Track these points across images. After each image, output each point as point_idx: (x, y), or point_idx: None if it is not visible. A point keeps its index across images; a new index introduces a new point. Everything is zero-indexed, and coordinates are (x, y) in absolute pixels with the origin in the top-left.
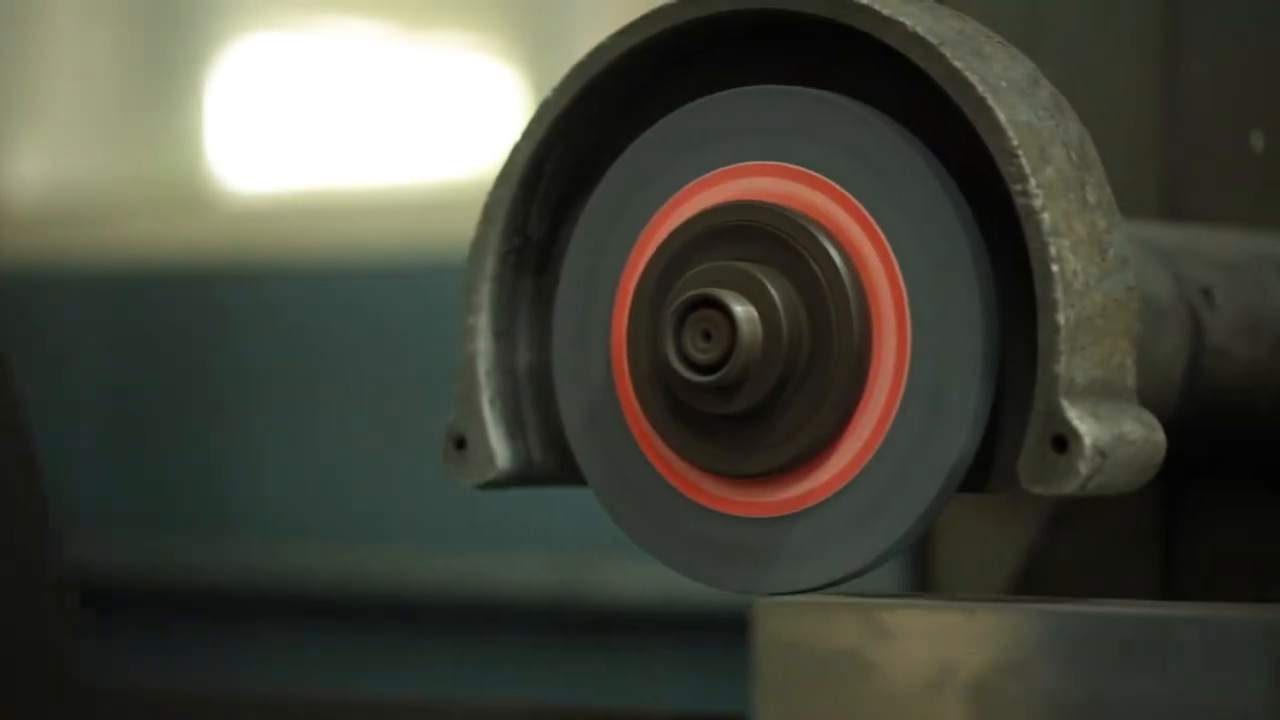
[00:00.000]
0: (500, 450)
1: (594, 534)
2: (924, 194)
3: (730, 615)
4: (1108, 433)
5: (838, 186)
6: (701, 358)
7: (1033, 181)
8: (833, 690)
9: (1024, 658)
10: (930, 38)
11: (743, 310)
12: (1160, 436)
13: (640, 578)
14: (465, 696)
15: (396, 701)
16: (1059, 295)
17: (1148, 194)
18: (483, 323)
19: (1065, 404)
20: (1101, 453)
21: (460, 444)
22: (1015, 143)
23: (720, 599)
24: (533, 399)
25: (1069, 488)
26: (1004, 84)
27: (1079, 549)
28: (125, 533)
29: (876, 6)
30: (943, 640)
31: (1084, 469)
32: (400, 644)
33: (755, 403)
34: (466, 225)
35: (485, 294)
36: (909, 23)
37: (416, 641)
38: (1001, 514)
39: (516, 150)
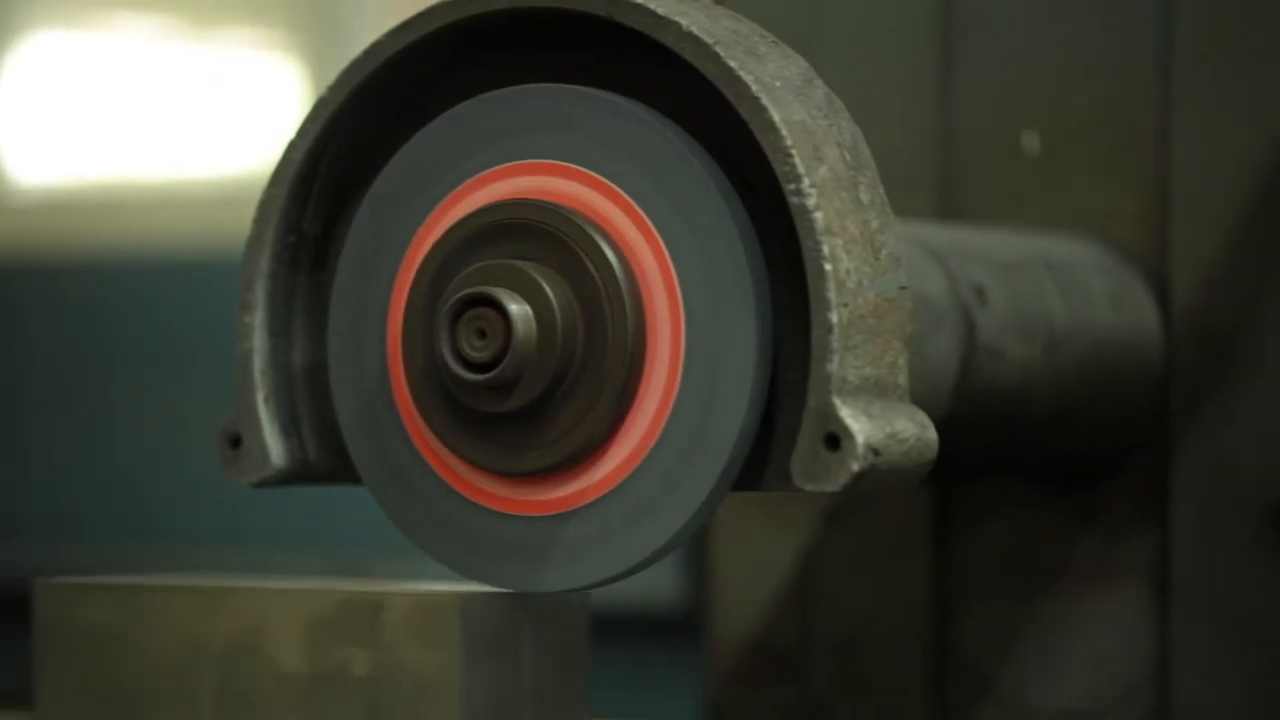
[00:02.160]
0: (275, 449)
1: (373, 533)
2: (698, 193)
3: None
4: (880, 431)
5: (613, 185)
6: (476, 356)
7: (806, 181)
8: (100, 663)
9: (260, 632)
10: (705, 37)
11: (517, 308)
12: (932, 435)
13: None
14: None
15: None
16: (832, 294)
17: (921, 194)
18: (258, 320)
19: (838, 402)
20: (874, 451)
21: (235, 442)
22: (789, 142)
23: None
24: (309, 397)
25: (841, 486)
26: (778, 84)
27: (854, 547)
28: None
29: (652, 6)
30: (193, 618)
31: (856, 467)
32: None
33: (530, 401)
34: (249, 221)
35: (260, 291)
36: (684, 22)
37: None
38: (777, 513)
39: (291, 148)
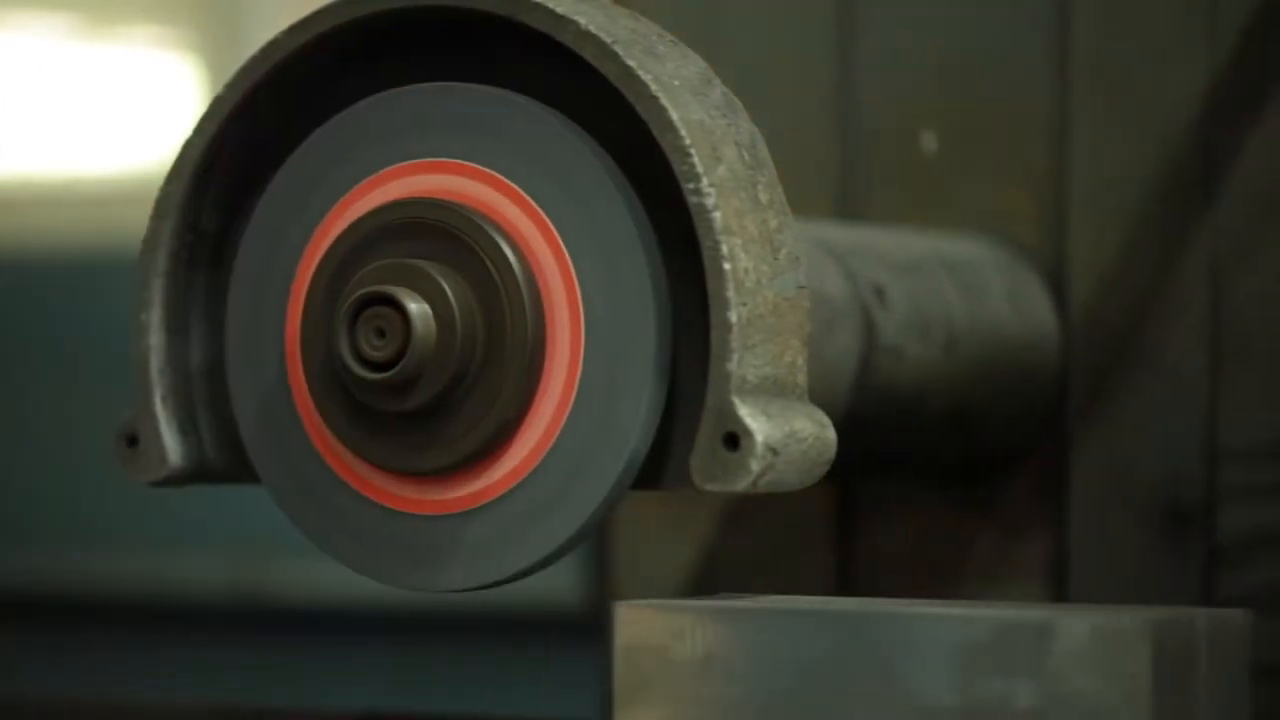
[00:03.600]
0: (173, 448)
1: (272, 533)
2: (598, 192)
3: (410, 614)
4: (779, 430)
5: (511, 183)
6: (375, 355)
7: (705, 180)
8: (698, 695)
9: (894, 661)
10: (603, 36)
11: (416, 307)
12: (831, 434)
13: (320, 576)
14: (142, 696)
15: (74, 701)
16: (730, 293)
17: (820, 193)
18: (155, 319)
19: (736, 402)
20: (773, 450)
21: (132, 441)
22: (687, 141)
23: (401, 597)
24: (207, 396)
25: (741, 485)
26: (676, 83)
27: (755, 547)
28: None
29: (551, 5)
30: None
31: (755, 466)
32: (79, 643)
33: (430, 400)
34: (145, 219)
35: (157, 290)
36: (582, 21)
37: (98, 639)
38: (679, 512)
39: (188, 145)
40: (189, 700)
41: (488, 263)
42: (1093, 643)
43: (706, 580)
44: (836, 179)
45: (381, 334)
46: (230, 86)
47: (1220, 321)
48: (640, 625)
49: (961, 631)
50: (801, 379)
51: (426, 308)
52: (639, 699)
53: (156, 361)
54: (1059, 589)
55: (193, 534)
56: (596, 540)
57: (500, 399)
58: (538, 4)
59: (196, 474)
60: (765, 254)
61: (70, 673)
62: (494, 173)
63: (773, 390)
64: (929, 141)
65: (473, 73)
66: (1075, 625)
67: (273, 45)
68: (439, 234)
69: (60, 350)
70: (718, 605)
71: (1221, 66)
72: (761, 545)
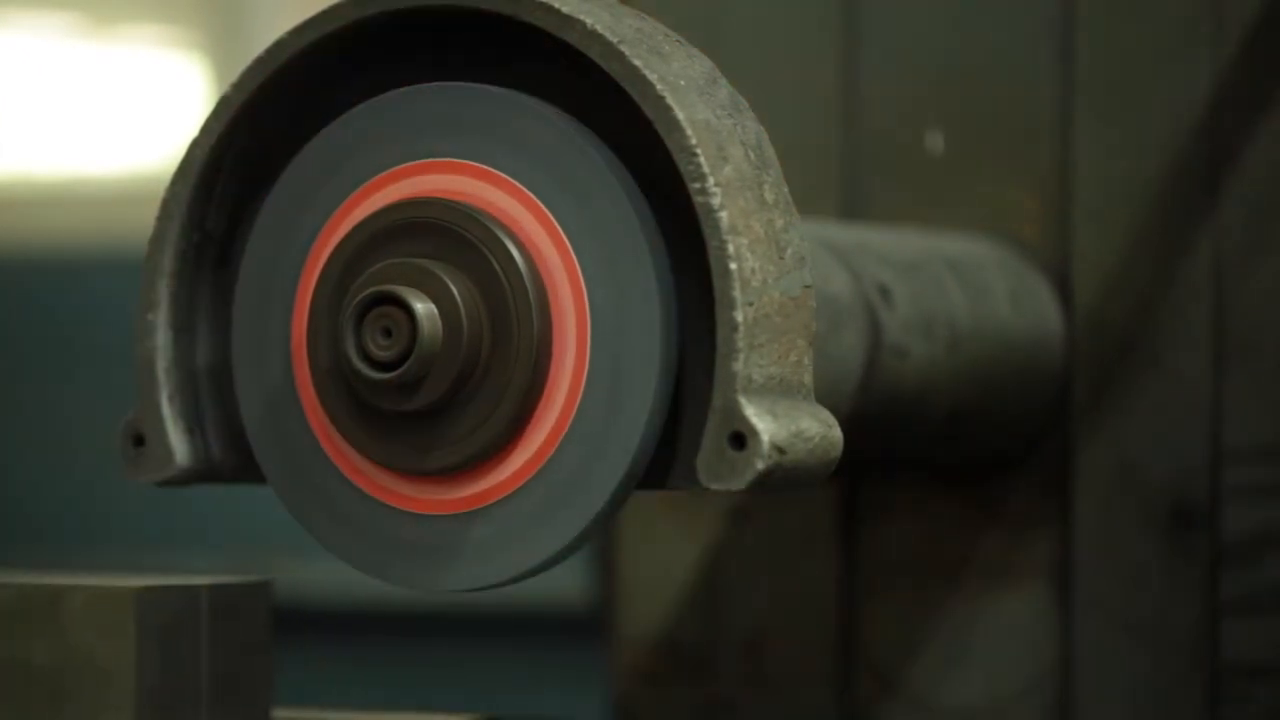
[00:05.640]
0: (179, 448)
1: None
2: (603, 191)
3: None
4: (785, 430)
5: (517, 183)
6: (382, 355)
7: (710, 180)
8: None
9: None
10: (609, 35)
11: (423, 307)
12: (837, 433)
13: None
14: None
15: None
16: (737, 293)
17: (826, 193)
18: (161, 319)
19: (743, 401)
20: (779, 449)
21: (138, 441)
22: (693, 141)
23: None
24: (213, 396)
25: (747, 484)
26: (682, 82)
27: (760, 545)
28: None
29: (557, 5)
30: None
31: (762, 466)
32: None
33: (436, 400)
34: (150, 219)
35: (163, 290)
36: (588, 21)
37: None
38: (684, 512)
39: (194, 146)
40: None
41: (494, 263)
42: (92, 605)
43: (711, 579)
44: (842, 178)
45: (388, 333)
46: (236, 87)
47: (1224, 321)
48: None
49: None
50: (807, 378)
51: (433, 307)
52: None
53: (163, 361)
54: (1064, 589)
55: (193, 533)
56: (601, 540)
57: (506, 399)
58: (543, 3)
59: (202, 474)
60: (771, 254)
61: None
62: (500, 173)
63: (779, 390)
64: (934, 141)
65: (478, 73)
66: (79, 591)
67: (278, 45)
68: (445, 234)
69: (61, 351)
70: None
71: (1225, 67)
72: (766, 544)
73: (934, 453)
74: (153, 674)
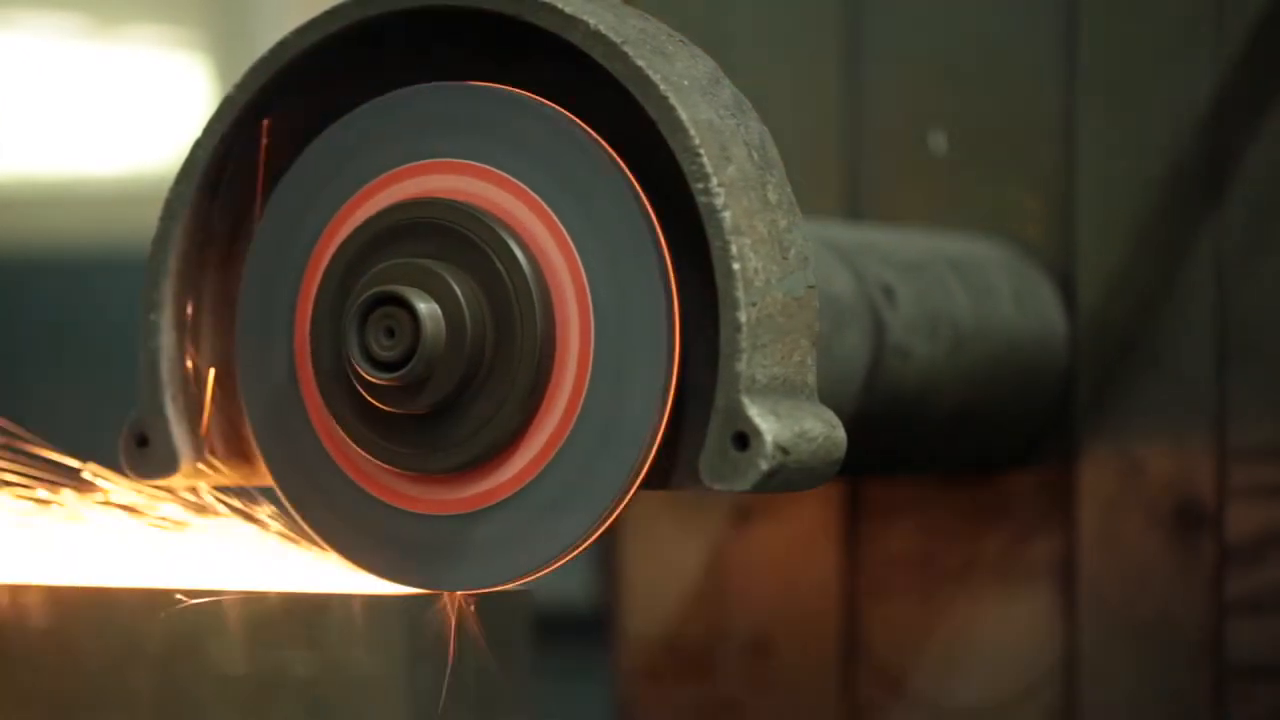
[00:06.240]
0: (183, 448)
1: None
2: (606, 191)
3: None
4: (788, 430)
5: (521, 184)
6: (385, 355)
7: (714, 180)
8: (33, 667)
9: (200, 636)
10: (612, 36)
11: (426, 307)
12: (841, 434)
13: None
14: None
15: None
16: (740, 293)
17: (829, 194)
18: (165, 319)
19: (746, 401)
20: (783, 450)
21: (141, 442)
22: (697, 141)
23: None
24: (216, 396)
25: (750, 485)
26: (686, 83)
27: (763, 546)
28: None
29: (560, 5)
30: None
31: (765, 466)
32: None
33: (439, 400)
34: (154, 219)
35: (167, 290)
36: (591, 21)
37: None
38: (688, 513)
39: (198, 146)
40: None
41: (497, 263)
42: (357, 617)
43: (715, 579)
44: (845, 179)
45: (391, 334)
46: (240, 87)
47: (1227, 321)
48: None
49: (249, 608)
50: (811, 378)
51: (436, 308)
52: None
53: (166, 361)
54: (1068, 588)
55: None
56: (604, 540)
57: (510, 400)
58: (547, 4)
59: (205, 475)
60: (774, 254)
61: None
62: (503, 173)
63: (782, 390)
64: (938, 142)
65: (482, 73)
66: (344, 602)
67: (282, 45)
68: (449, 234)
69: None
70: (50, 584)
71: (1228, 68)
72: (770, 544)
73: (937, 452)
74: (422, 687)
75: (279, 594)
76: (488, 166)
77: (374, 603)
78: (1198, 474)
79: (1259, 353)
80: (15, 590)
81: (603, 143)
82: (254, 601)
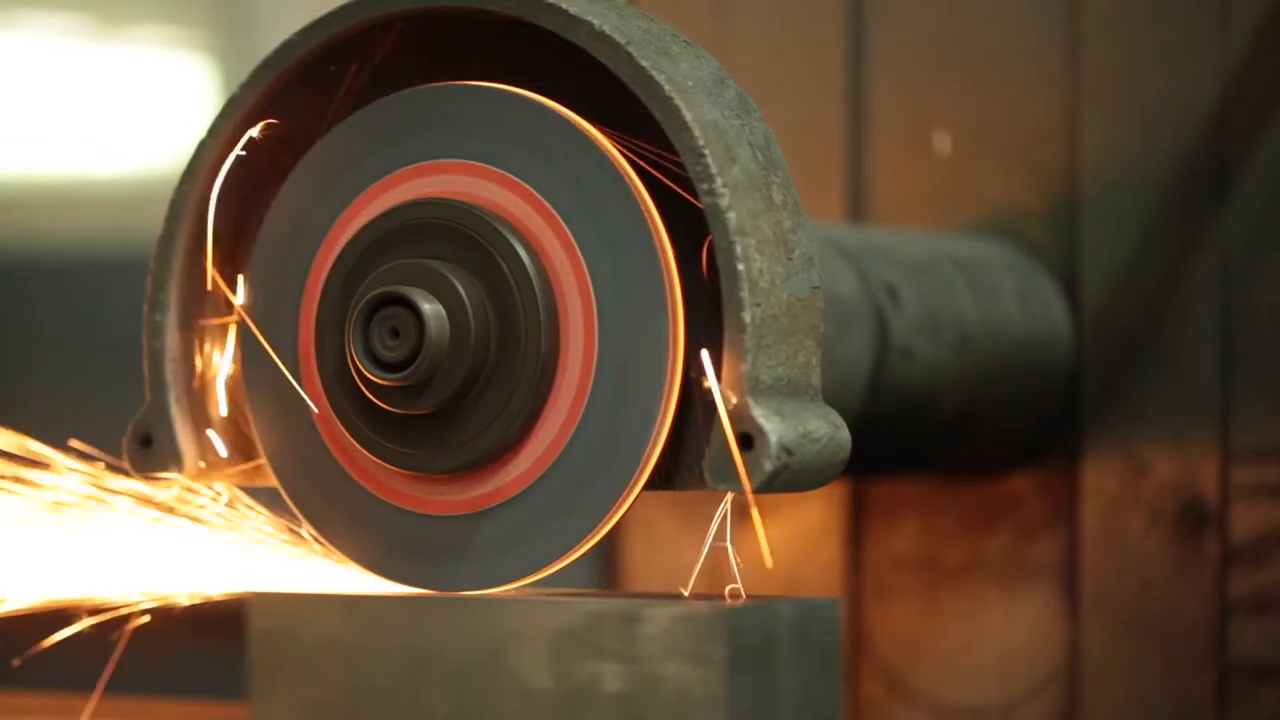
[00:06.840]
0: (187, 448)
1: None
2: (610, 192)
3: None
4: (793, 431)
5: (524, 184)
6: (389, 356)
7: (719, 181)
8: (323, 679)
9: (501, 646)
10: (617, 36)
11: (431, 308)
12: (845, 434)
13: None
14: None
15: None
16: (745, 294)
17: (833, 194)
18: (170, 319)
19: (751, 402)
20: (787, 450)
21: (146, 442)
22: (701, 142)
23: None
24: (221, 396)
25: (755, 486)
26: (690, 83)
27: (768, 547)
28: None
29: (564, 6)
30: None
31: (769, 467)
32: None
33: (443, 401)
34: (159, 220)
35: (172, 290)
36: (596, 22)
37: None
38: (691, 513)
39: (202, 146)
40: (188, 698)
41: (502, 264)
42: (674, 628)
43: (718, 581)
44: (849, 179)
45: (396, 334)
46: (244, 87)
47: (1231, 322)
48: (271, 612)
49: (557, 617)
50: (815, 379)
51: (440, 308)
52: (271, 682)
53: (171, 362)
54: (1071, 588)
55: None
56: (606, 540)
57: (514, 400)
58: (551, 5)
59: (209, 474)
60: (779, 255)
61: (68, 671)
62: (508, 174)
63: (787, 390)
64: (941, 142)
65: (486, 73)
66: (659, 612)
67: (286, 46)
68: (453, 235)
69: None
70: (341, 593)
71: (1233, 68)
72: (773, 544)
73: (942, 453)
74: (743, 701)
75: (586, 604)
76: (493, 167)
77: (693, 613)
78: (1202, 474)
79: (1263, 353)
80: (303, 600)
81: (607, 143)
82: (560, 610)
